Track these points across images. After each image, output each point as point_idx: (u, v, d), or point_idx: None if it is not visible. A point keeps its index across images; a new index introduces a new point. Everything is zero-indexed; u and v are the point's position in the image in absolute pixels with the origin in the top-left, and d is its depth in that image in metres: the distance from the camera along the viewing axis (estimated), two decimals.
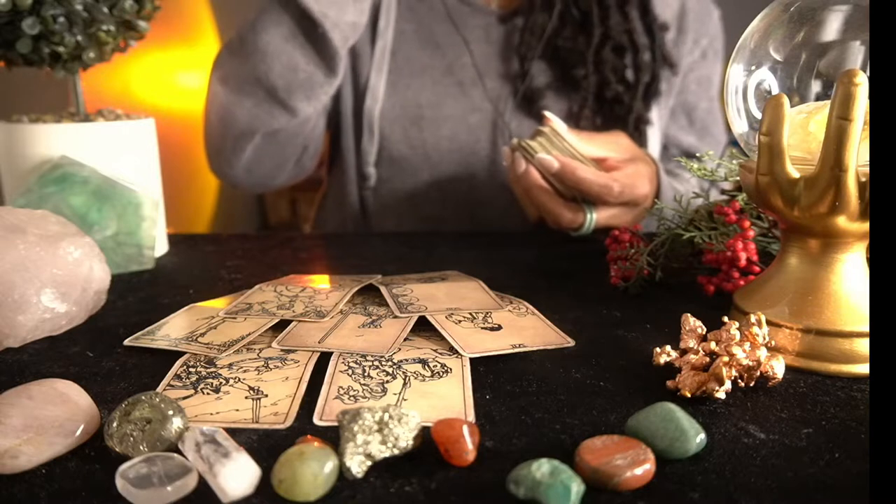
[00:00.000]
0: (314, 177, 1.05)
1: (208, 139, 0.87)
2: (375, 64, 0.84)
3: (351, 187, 0.90)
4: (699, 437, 0.32)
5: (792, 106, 0.42)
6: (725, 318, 0.40)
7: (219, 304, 0.51)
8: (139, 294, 0.56)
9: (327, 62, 0.77)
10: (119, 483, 0.29)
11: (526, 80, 0.84)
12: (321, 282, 0.55)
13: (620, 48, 0.83)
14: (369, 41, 0.85)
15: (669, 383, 0.38)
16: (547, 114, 0.70)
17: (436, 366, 0.41)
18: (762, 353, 0.37)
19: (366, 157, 0.86)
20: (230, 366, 0.41)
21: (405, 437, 0.31)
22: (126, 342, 0.45)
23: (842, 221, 0.39)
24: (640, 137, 0.85)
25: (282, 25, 0.75)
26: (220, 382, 0.39)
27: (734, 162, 0.60)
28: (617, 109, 0.84)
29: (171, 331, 0.46)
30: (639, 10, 0.85)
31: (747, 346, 0.38)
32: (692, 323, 0.40)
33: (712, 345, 0.38)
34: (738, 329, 0.38)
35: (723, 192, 0.65)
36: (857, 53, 0.40)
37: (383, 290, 0.52)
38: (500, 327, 0.46)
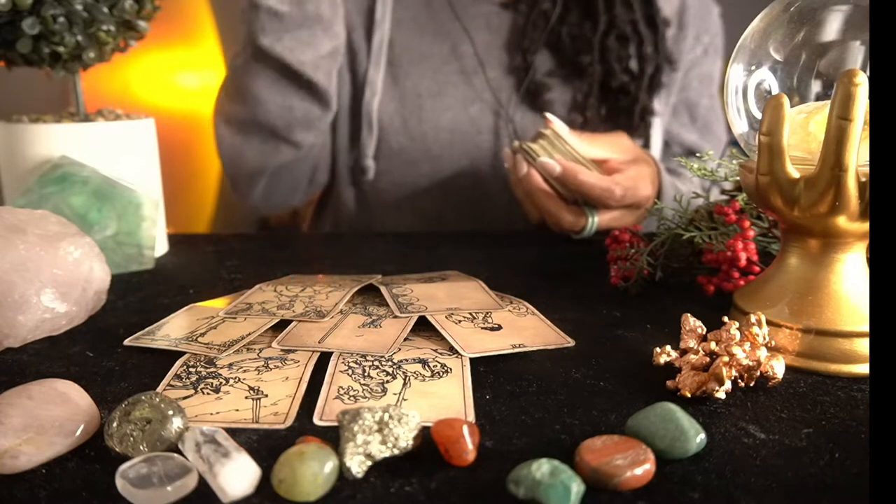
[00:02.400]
0: None
1: (224, 173, 0.90)
2: (373, 58, 0.84)
3: (345, 184, 0.90)
4: (699, 437, 0.32)
5: (792, 106, 0.42)
6: (725, 318, 0.40)
7: (219, 304, 0.51)
8: (139, 294, 0.56)
9: (319, 99, 0.80)
10: (119, 483, 0.29)
11: (530, 69, 0.84)
12: (321, 282, 0.55)
13: (624, 38, 0.84)
14: (365, 35, 0.85)
15: (669, 383, 0.38)
16: (548, 116, 0.70)
17: (436, 366, 0.41)
18: (762, 353, 0.37)
19: (364, 150, 0.86)
20: (230, 366, 0.41)
21: (405, 437, 0.31)
22: (126, 342, 0.45)
23: (842, 221, 0.39)
24: (645, 129, 0.85)
25: (266, 76, 0.78)
26: (220, 382, 0.39)
27: (734, 162, 0.60)
28: (622, 100, 0.84)
29: (171, 331, 0.46)
30: (641, 2, 0.85)
31: (747, 346, 0.38)
32: (692, 323, 0.40)
33: (712, 345, 0.38)
34: (738, 329, 0.38)
35: (723, 192, 0.65)
36: (857, 53, 0.40)
37: (383, 290, 0.52)
38: (500, 327, 0.46)
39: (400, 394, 0.37)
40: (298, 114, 0.79)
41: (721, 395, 0.36)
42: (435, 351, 0.43)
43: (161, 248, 0.68)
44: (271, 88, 0.78)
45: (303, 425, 0.35)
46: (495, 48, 0.86)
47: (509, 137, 0.85)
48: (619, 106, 0.85)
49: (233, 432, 0.33)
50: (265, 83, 0.78)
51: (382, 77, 0.85)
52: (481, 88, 0.85)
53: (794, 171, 0.39)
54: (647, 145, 0.87)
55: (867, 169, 0.37)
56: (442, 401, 0.37)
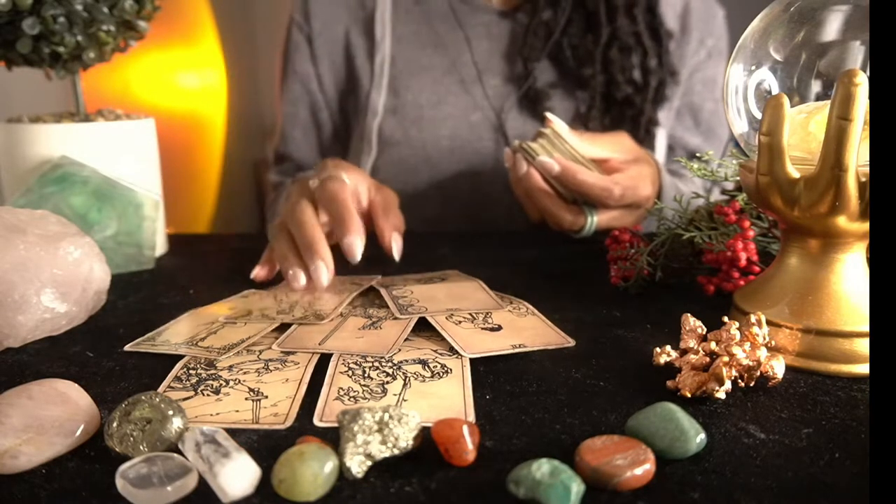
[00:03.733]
0: None
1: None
2: (376, 80, 0.85)
3: None
4: (699, 437, 0.32)
5: (792, 106, 0.42)
6: (725, 318, 0.40)
7: (219, 310, 0.51)
8: (139, 294, 0.56)
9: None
10: (119, 483, 0.29)
11: (530, 78, 0.84)
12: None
13: (627, 49, 0.84)
14: (368, 56, 0.86)
15: (669, 383, 0.38)
16: (549, 115, 0.70)
17: (436, 366, 0.41)
18: (762, 353, 0.37)
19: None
20: (230, 368, 0.41)
21: (405, 438, 0.31)
22: (126, 348, 0.44)
23: (842, 221, 0.39)
24: (650, 140, 0.85)
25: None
26: (221, 384, 0.39)
27: (734, 162, 0.60)
28: (627, 111, 0.84)
29: (170, 337, 0.46)
30: (644, 13, 0.85)
31: (747, 346, 0.38)
32: (692, 323, 0.40)
33: (712, 345, 0.38)
34: (738, 329, 0.38)
35: (723, 192, 0.65)
36: (857, 53, 0.40)
37: (383, 291, 0.52)
38: (500, 327, 0.46)
39: (400, 394, 0.37)
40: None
41: (721, 395, 0.36)
42: (435, 351, 0.43)
43: (161, 248, 0.68)
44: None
45: (303, 426, 0.35)
46: (496, 57, 0.86)
47: (508, 144, 0.85)
48: (623, 117, 0.85)
49: (233, 433, 0.33)
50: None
51: (384, 98, 0.85)
52: (482, 97, 0.86)
53: (794, 171, 0.39)
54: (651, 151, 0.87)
55: (867, 169, 0.37)
56: (442, 401, 0.37)
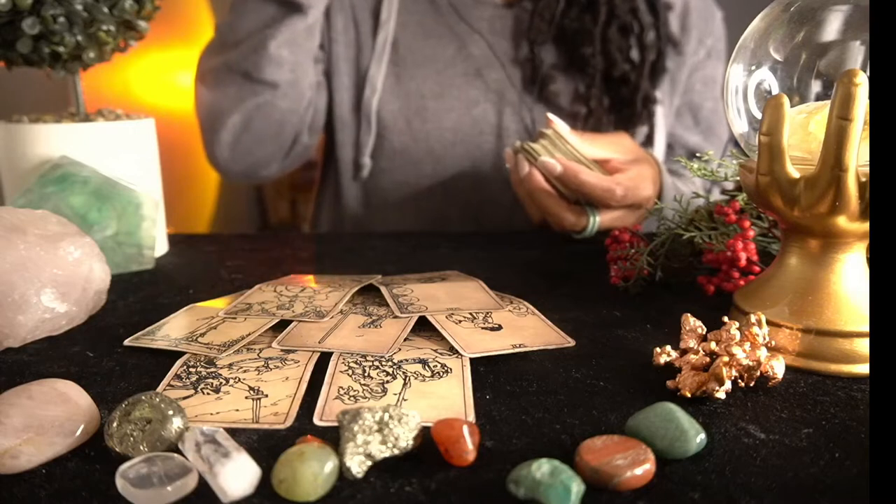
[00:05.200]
0: (313, 176, 1.05)
1: (202, 132, 0.88)
2: (376, 55, 0.85)
3: (347, 183, 0.90)
4: (699, 437, 0.32)
5: (792, 106, 0.42)
6: (725, 318, 0.40)
7: (219, 304, 0.51)
8: (139, 294, 0.56)
9: (300, 10, 0.80)
10: (119, 483, 0.29)
11: (538, 61, 0.85)
12: (321, 282, 0.55)
13: (626, 27, 0.84)
14: (371, 34, 0.86)
15: (669, 383, 0.38)
16: (550, 116, 0.70)
17: (436, 366, 0.41)
18: (762, 353, 0.37)
19: (362, 148, 0.87)
20: (230, 366, 0.41)
21: (405, 437, 0.31)
22: (126, 342, 0.45)
23: (842, 221, 0.39)
24: (649, 117, 0.86)
25: (263, 14, 0.80)
26: (221, 382, 0.39)
27: (734, 162, 0.60)
28: (623, 90, 0.85)
29: (171, 331, 0.46)
30: None
31: (747, 346, 0.38)
32: (692, 323, 0.40)
33: (712, 345, 0.38)
34: (738, 329, 0.38)
35: (723, 192, 0.65)
36: (857, 53, 0.40)
37: (383, 290, 0.52)
38: (500, 327, 0.46)
39: (400, 394, 0.37)
40: (283, 35, 0.80)
41: (721, 395, 0.36)
42: (435, 351, 0.43)
43: (161, 248, 0.68)
44: (259, 16, 0.80)
45: (303, 425, 0.35)
46: (500, 50, 0.87)
47: (526, 129, 0.85)
48: (621, 95, 0.85)
49: (233, 432, 0.33)
50: (259, 22, 0.80)
51: (384, 76, 0.85)
52: (484, 90, 0.86)
53: (794, 171, 0.39)
54: (650, 142, 0.87)
55: (867, 169, 0.37)
56: (442, 401, 0.37)
